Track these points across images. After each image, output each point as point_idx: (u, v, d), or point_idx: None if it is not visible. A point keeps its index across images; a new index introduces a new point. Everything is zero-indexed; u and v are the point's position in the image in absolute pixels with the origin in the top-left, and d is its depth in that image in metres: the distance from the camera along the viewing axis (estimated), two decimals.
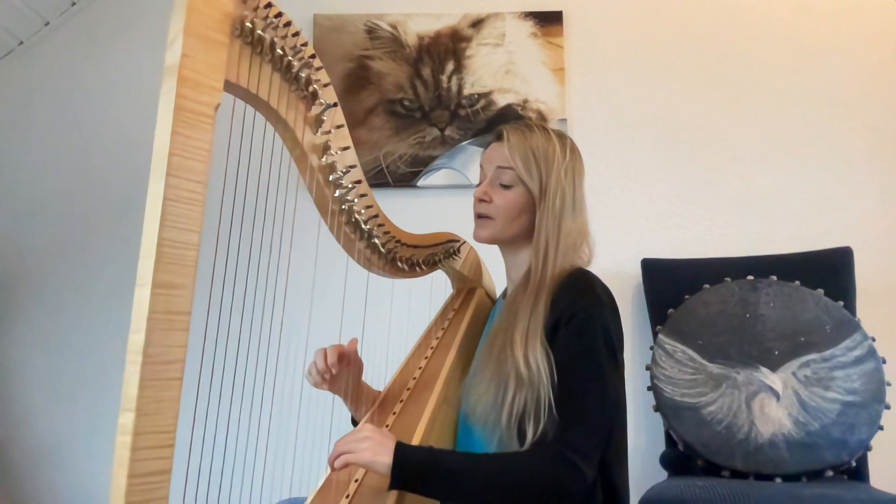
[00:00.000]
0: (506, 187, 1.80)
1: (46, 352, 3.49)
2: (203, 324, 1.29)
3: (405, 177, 3.43)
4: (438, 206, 3.33)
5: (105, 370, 3.41)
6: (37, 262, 3.55)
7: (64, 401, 3.43)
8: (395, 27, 3.52)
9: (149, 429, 1.04)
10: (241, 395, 1.48)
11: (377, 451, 1.45)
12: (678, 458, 2.86)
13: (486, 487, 1.47)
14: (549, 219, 1.74)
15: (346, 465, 1.47)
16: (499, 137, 1.85)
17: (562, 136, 1.84)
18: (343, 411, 1.99)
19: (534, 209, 1.78)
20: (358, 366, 1.92)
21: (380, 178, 3.41)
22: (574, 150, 1.83)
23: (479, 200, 1.83)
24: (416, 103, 3.47)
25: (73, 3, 3.63)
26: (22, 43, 3.65)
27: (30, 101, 3.65)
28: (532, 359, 1.58)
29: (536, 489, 1.47)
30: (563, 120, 3.43)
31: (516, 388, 1.57)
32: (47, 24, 3.63)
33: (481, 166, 1.89)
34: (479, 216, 1.85)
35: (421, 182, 3.43)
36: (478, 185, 1.86)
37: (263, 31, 1.26)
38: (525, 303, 1.68)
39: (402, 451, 1.45)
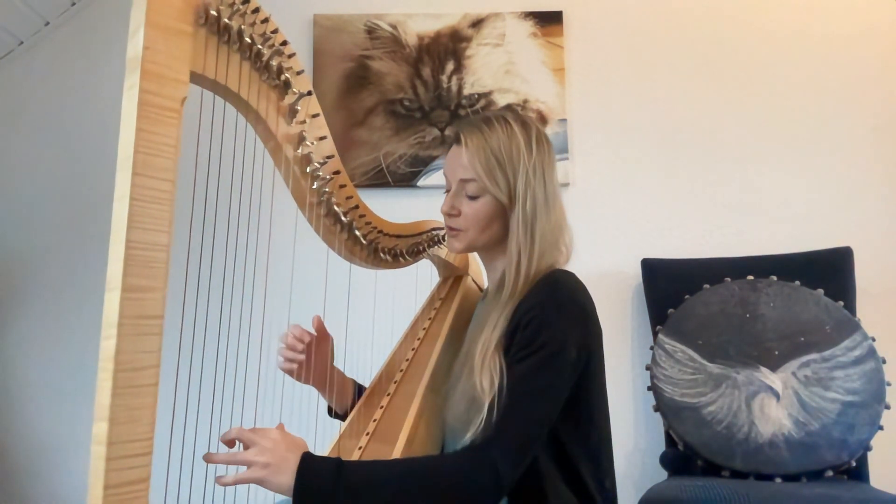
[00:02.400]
0: (472, 198, 1.71)
1: (46, 352, 3.49)
2: (178, 326, 1.28)
3: (405, 177, 3.43)
4: (438, 206, 3.29)
5: None
6: (36, 262, 3.56)
7: (63, 401, 3.44)
8: (395, 27, 3.52)
9: (124, 438, 1.03)
10: (221, 396, 1.46)
11: (277, 469, 1.35)
12: (678, 458, 2.85)
13: (398, 498, 1.41)
14: (521, 226, 1.65)
15: (235, 483, 1.36)
16: (457, 140, 1.75)
17: (525, 127, 1.72)
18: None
19: (506, 214, 1.70)
20: (325, 344, 1.88)
21: (380, 178, 3.41)
22: (541, 140, 1.72)
23: (447, 215, 1.77)
24: (416, 103, 3.47)
25: (73, 3, 3.63)
26: (22, 43, 3.66)
27: (30, 101, 3.66)
28: (486, 379, 1.52)
29: (451, 494, 1.42)
30: (563, 120, 3.42)
31: (479, 408, 1.50)
32: (47, 24, 3.64)
33: (445, 175, 1.81)
34: (450, 229, 1.78)
35: (421, 182, 3.42)
36: (445, 193, 1.79)
37: (230, 18, 1.24)
38: (493, 314, 1.63)
39: (304, 470, 1.37)
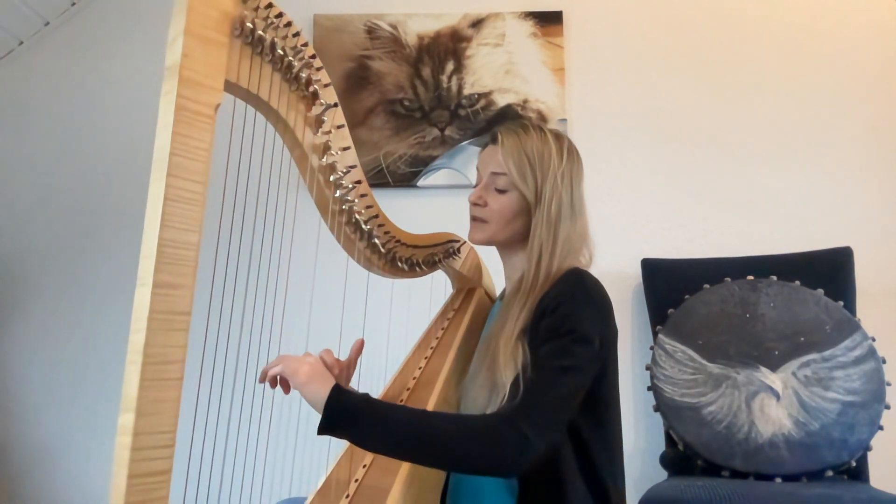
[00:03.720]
0: (501, 192, 1.78)
1: (46, 352, 3.49)
2: (203, 324, 1.29)
3: (405, 177, 3.43)
4: (438, 206, 3.33)
5: (104, 370, 3.41)
6: (37, 261, 3.55)
7: (63, 400, 3.43)
8: (395, 27, 3.52)
9: (149, 429, 1.05)
10: (241, 395, 1.48)
11: (315, 378, 1.44)
12: (678, 458, 2.86)
13: (420, 440, 1.42)
14: (544, 225, 1.72)
15: (276, 377, 1.48)
16: (494, 140, 1.83)
17: (559, 138, 1.80)
18: None
19: (529, 213, 1.76)
20: (347, 371, 1.90)
21: (380, 178, 3.41)
22: (572, 151, 1.80)
23: (474, 204, 1.82)
24: (416, 103, 3.47)
25: (73, 3, 3.63)
26: (22, 43, 3.65)
27: (30, 101, 3.65)
28: (510, 368, 1.55)
29: (475, 449, 1.42)
30: (563, 120, 3.43)
31: (502, 398, 1.54)
32: (47, 24, 3.64)
33: (477, 169, 1.87)
34: (474, 219, 1.83)
35: (421, 182, 3.43)
36: (474, 188, 1.84)
37: (264, 31, 1.27)
38: (514, 310, 1.67)
39: (339, 388, 1.43)
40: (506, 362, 1.57)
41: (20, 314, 3.53)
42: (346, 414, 1.41)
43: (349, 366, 1.83)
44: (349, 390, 1.46)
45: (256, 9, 1.25)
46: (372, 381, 2.00)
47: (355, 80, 3.50)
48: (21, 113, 3.66)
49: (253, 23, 1.23)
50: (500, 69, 3.49)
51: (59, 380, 3.46)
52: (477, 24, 3.52)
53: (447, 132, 3.44)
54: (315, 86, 1.43)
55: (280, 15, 1.30)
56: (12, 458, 3.45)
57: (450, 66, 3.49)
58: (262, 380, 1.49)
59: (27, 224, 3.59)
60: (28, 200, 3.61)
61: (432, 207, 3.35)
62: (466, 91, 3.48)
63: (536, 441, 1.42)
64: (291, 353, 1.73)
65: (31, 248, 3.57)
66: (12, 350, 3.52)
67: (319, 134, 1.49)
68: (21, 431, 3.46)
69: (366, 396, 1.46)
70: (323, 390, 1.41)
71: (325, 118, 1.49)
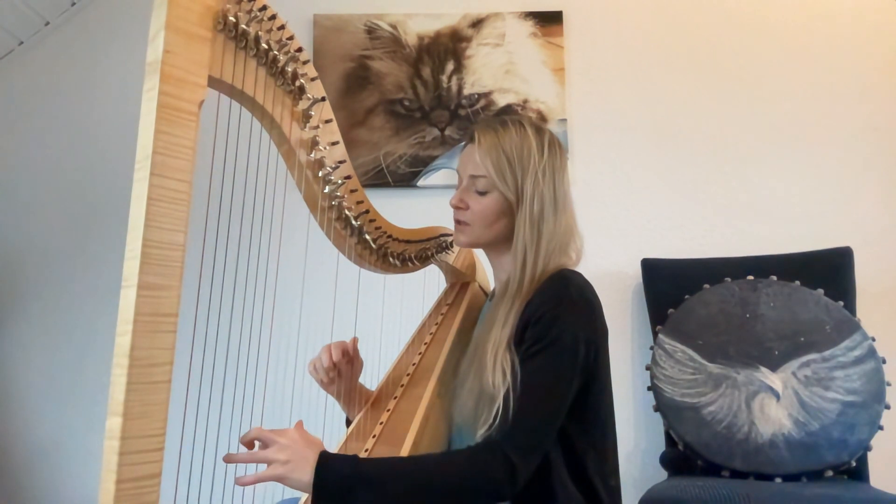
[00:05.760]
0: (481, 193, 1.74)
1: (46, 352, 3.49)
2: (191, 325, 1.29)
3: (405, 177, 3.43)
4: (438, 206, 3.28)
5: (104, 370, 3.41)
6: (37, 261, 3.55)
7: (63, 401, 3.43)
8: (395, 27, 3.52)
9: (137, 433, 1.04)
10: (232, 395, 1.47)
11: (296, 466, 1.37)
12: (678, 458, 2.85)
13: (415, 492, 1.43)
14: (528, 224, 1.68)
15: (255, 482, 1.37)
16: (472, 139, 1.79)
17: (539, 131, 1.76)
18: (337, 411, 1.99)
19: (513, 212, 1.72)
20: (358, 365, 1.90)
21: (380, 178, 3.41)
22: (553, 144, 1.75)
23: (455, 208, 1.79)
24: (416, 103, 3.47)
25: (73, 3, 3.63)
26: (22, 43, 3.65)
27: (30, 101, 3.65)
28: (499, 375, 1.55)
29: (468, 488, 1.45)
30: (563, 120, 3.42)
31: (489, 404, 1.54)
32: (47, 24, 3.64)
33: (457, 171, 1.84)
34: (457, 222, 1.80)
35: (421, 182, 3.42)
36: (456, 189, 1.81)
37: (247, 24, 1.25)
38: (501, 313, 1.65)
39: (322, 466, 1.38)
40: (493, 370, 1.57)
41: (20, 314, 3.53)
42: (335, 489, 1.39)
43: (354, 359, 1.84)
44: (334, 461, 1.42)
45: (240, 2, 1.23)
46: (366, 378, 2.00)
47: (355, 80, 3.50)
48: (21, 113, 3.65)
49: (236, 16, 1.22)
50: (500, 69, 3.49)
51: (58, 380, 3.46)
52: (477, 24, 3.51)
53: (447, 132, 3.44)
54: (301, 80, 1.42)
55: (264, 7, 1.28)
56: (12, 458, 3.45)
57: (450, 66, 3.49)
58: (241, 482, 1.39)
59: (27, 224, 3.59)
60: (28, 200, 3.61)
61: (432, 207, 3.30)
62: (466, 91, 3.47)
63: (523, 465, 1.46)
64: (283, 352, 1.73)
65: (31, 247, 3.57)
66: (12, 350, 3.52)
67: (307, 129, 1.48)
68: (21, 431, 3.46)
69: (353, 463, 1.43)
70: (306, 475, 1.37)
71: (313, 113, 1.47)
